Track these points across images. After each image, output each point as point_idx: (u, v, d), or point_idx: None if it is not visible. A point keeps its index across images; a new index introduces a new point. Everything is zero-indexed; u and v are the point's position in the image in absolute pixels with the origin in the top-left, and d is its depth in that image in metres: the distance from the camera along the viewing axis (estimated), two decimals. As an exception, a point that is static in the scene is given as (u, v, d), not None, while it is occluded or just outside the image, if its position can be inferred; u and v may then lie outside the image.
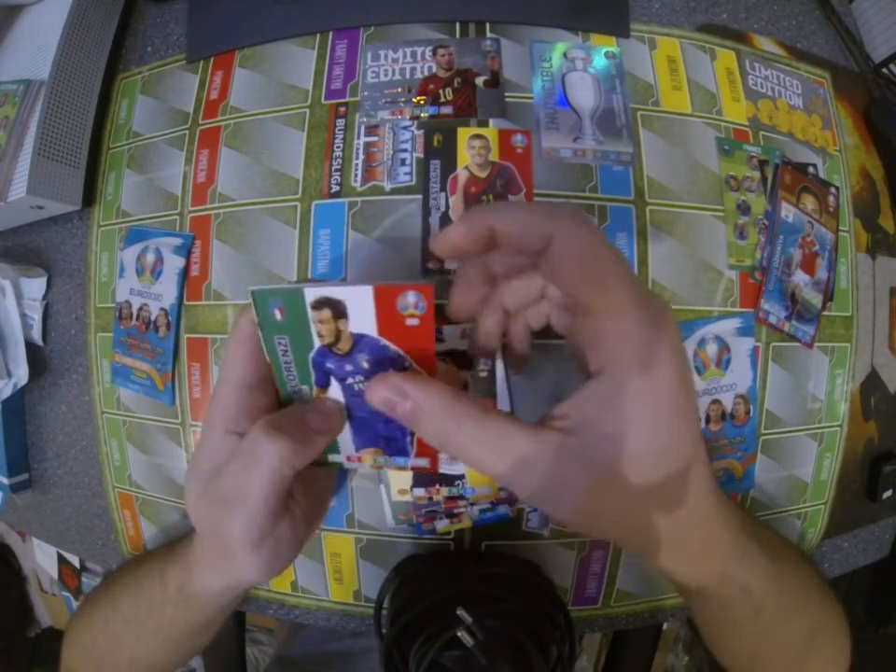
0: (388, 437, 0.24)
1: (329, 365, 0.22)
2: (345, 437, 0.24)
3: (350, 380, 0.23)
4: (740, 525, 0.23)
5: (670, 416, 0.19)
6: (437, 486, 0.28)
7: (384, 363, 0.21)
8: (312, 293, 0.20)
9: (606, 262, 0.18)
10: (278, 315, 0.20)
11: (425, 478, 0.28)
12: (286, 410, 0.23)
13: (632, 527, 0.20)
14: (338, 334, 0.21)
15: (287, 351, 0.22)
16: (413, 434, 0.23)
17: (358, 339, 0.21)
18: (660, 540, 0.20)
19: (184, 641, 0.30)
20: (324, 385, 0.22)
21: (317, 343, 0.21)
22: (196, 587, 0.27)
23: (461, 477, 0.27)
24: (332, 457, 0.24)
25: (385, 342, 0.21)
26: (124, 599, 0.31)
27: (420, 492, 0.29)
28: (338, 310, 0.20)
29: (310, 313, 0.20)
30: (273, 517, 0.22)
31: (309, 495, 0.26)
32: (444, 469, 0.27)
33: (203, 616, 0.29)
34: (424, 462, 0.24)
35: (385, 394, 0.20)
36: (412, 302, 0.20)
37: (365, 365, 0.22)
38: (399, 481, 0.32)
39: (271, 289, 0.20)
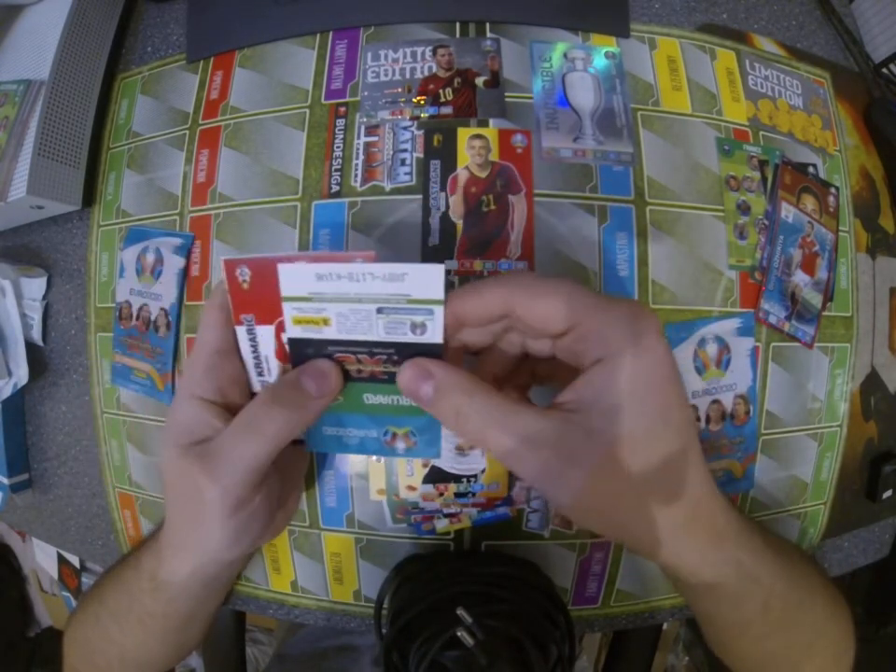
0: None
1: None
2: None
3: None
4: (738, 516, 0.23)
5: (663, 384, 0.20)
6: (446, 484, 0.28)
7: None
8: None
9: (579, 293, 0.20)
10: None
11: (435, 474, 0.28)
12: (282, 379, 0.23)
13: (635, 516, 0.20)
14: None
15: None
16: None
17: None
18: (666, 529, 0.20)
19: (167, 635, 0.30)
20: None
21: None
22: (165, 574, 0.27)
23: (473, 476, 0.27)
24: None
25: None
26: (110, 593, 0.31)
27: (429, 488, 0.29)
28: None
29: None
30: (254, 487, 0.23)
31: (284, 479, 0.27)
32: (458, 468, 0.27)
33: (179, 607, 0.29)
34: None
35: (410, 373, 0.21)
36: None
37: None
38: (377, 481, 0.32)
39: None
